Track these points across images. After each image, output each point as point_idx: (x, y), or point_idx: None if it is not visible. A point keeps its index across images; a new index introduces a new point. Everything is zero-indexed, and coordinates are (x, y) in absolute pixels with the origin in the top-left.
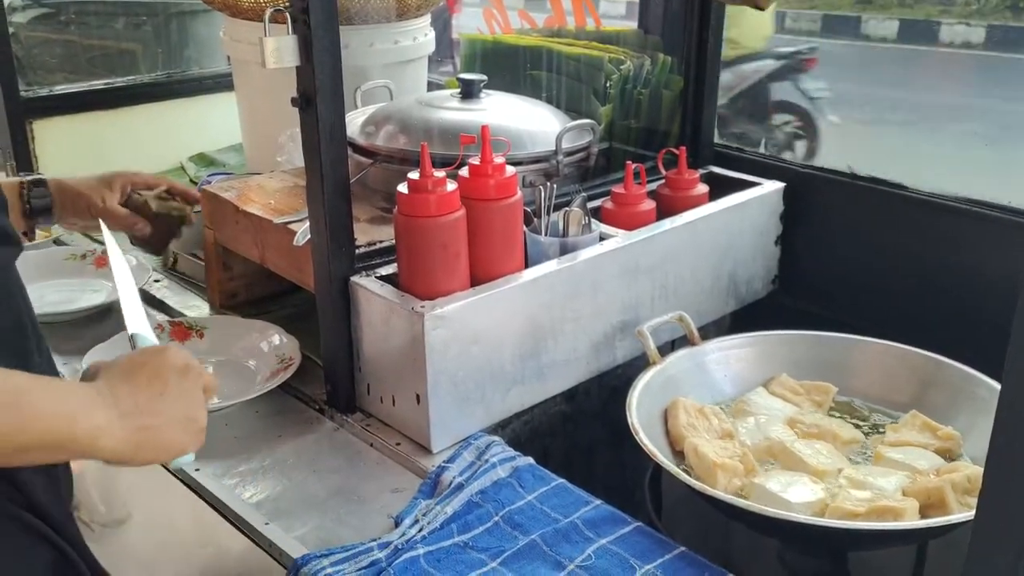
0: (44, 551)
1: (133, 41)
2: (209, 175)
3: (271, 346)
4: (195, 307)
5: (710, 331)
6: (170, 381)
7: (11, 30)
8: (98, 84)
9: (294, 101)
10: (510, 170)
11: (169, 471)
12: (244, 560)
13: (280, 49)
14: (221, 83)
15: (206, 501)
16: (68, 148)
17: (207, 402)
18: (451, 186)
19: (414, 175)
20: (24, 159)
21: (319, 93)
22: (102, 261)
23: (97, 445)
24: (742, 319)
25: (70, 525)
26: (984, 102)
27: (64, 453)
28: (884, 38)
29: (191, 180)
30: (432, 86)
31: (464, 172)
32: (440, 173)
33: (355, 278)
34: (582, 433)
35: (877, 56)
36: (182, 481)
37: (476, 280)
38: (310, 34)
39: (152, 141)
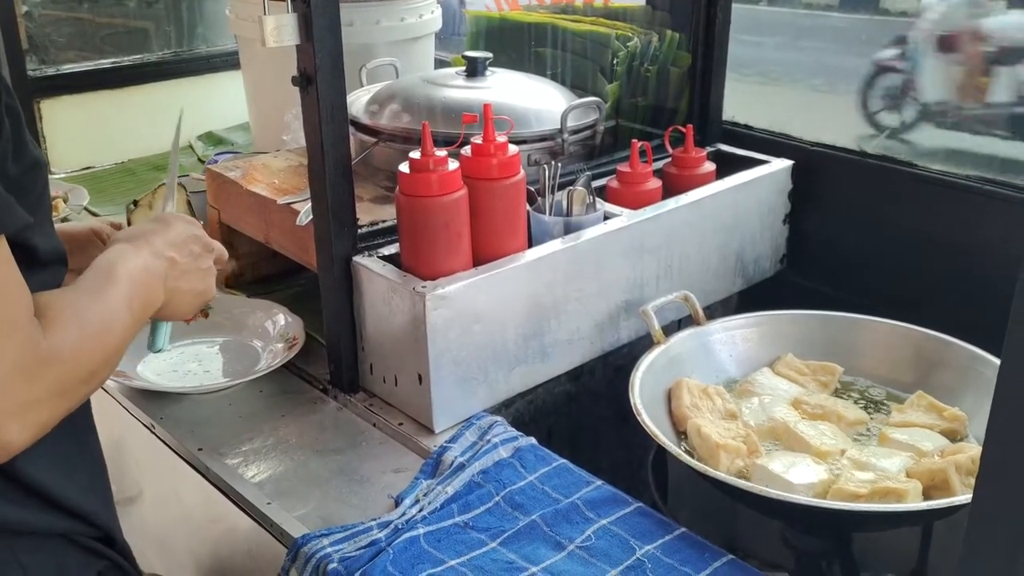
0: (103, 564)
1: (145, 19)
2: (216, 154)
3: (276, 326)
4: None
5: (717, 310)
6: (196, 252)
7: (25, 9)
8: (105, 63)
9: (294, 80)
10: (513, 149)
11: (175, 451)
12: (254, 536)
13: (280, 27)
14: (229, 61)
15: (209, 481)
16: (75, 127)
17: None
18: (453, 165)
19: (415, 154)
20: (32, 139)
21: (319, 72)
22: None
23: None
24: (750, 298)
25: (123, 542)
26: None
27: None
28: (904, 12)
29: (199, 159)
30: (442, 64)
31: (466, 151)
32: (442, 152)
33: (357, 258)
34: (587, 413)
35: (897, 30)
36: (186, 461)
37: (479, 260)
38: (310, 12)
39: (160, 120)
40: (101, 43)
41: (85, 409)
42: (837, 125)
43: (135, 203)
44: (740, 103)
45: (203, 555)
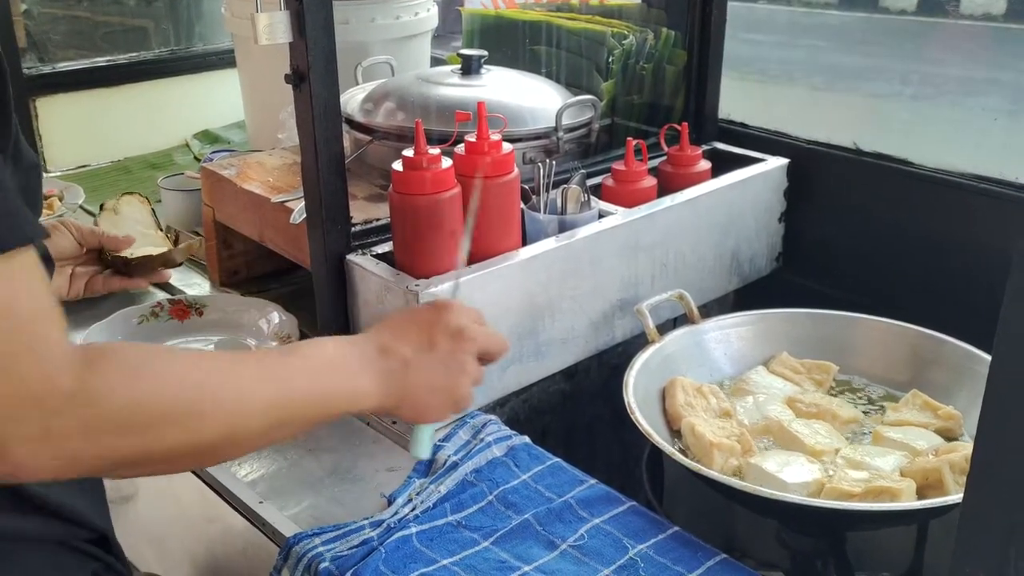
0: (97, 566)
1: (145, 17)
2: (212, 152)
3: (270, 324)
4: (196, 285)
5: (713, 309)
6: (439, 343)
7: (24, 7)
8: (101, 61)
9: (287, 78)
10: (506, 147)
11: None
12: (249, 536)
13: (272, 25)
14: (225, 59)
15: (202, 479)
16: (71, 126)
17: (486, 365)
18: (446, 163)
19: (409, 152)
20: (27, 137)
21: (312, 70)
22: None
23: (360, 406)
24: (746, 297)
25: (115, 541)
26: (1004, 75)
27: (330, 418)
28: (903, 10)
29: (195, 157)
30: (438, 62)
31: (460, 149)
32: (435, 150)
33: (350, 256)
34: (582, 411)
35: (896, 28)
36: None
37: (473, 258)
38: (303, 9)
39: (156, 118)
40: (101, 41)
41: None
42: (837, 122)
43: (101, 207)
44: (740, 101)
45: (199, 554)
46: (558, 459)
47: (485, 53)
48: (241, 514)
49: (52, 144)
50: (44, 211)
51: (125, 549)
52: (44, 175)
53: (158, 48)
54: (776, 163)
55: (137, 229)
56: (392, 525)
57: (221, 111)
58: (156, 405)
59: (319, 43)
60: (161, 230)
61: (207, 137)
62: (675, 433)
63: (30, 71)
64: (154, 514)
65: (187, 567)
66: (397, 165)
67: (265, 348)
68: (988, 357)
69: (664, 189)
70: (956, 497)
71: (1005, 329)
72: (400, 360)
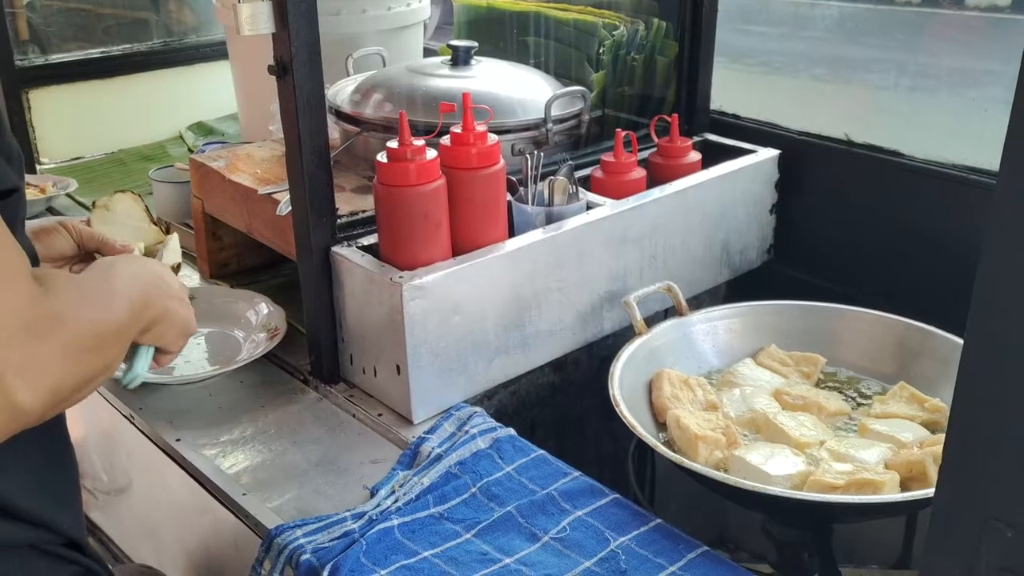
0: (72, 570)
1: (147, 10)
2: (204, 144)
3: (258, 316)
4: (186, 277)
5: (705, 301)
6: (182, 288)
7: (26, 0)
8: (94, 53)
9: (271, 69)
10: (492, 138)
11: (154, 441)
12: (239, 528)
13: (255, 15)
14: (218, 51)
15: (186, 471)
16: (65, 118)
17: None
18: (431, 154)
19: (394, 144)
20: (20, 129)
21: (296, 60)
22: None
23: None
24: (737, 288)
25: (89, 546)
26: (1007, 67)
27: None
28: (908, 1)
29: (189, 149)
30: (431, 53)
31: (445, 140)
32: (420, 141)
33: (336, 248)
34: (571, 403)
35: (900, 20)
36: (164, 452)
37: (458, 250)
38: None
39: (150, 110)
40: (103, 34)
41: (60, 423)
42: (836, 114)
43: (93, 204)
44: (740, 93)
45: (192, 546)
46: (543, 451)
47: (475, 44)
48: (225, 506)
49: (45, 136)
50: (37, 194)
51: (119, 541)
52: (37, 167)
53: (159, 40)
54: (767, 154)
55: (130, 224)
56: (374, 517)
57: (215, 103)
58: (105, 318)
59: (302, 33)
60: (156, 223)
61: (201, 129)
62: (661, 425)
63: (23, 63)
64: (147, 506)
65: (180, 559)
66: (382, 157)
67: (89, 268)
68: None
69: (654, 181)
70: None
71: (975, 323)
72: (160, 278)
